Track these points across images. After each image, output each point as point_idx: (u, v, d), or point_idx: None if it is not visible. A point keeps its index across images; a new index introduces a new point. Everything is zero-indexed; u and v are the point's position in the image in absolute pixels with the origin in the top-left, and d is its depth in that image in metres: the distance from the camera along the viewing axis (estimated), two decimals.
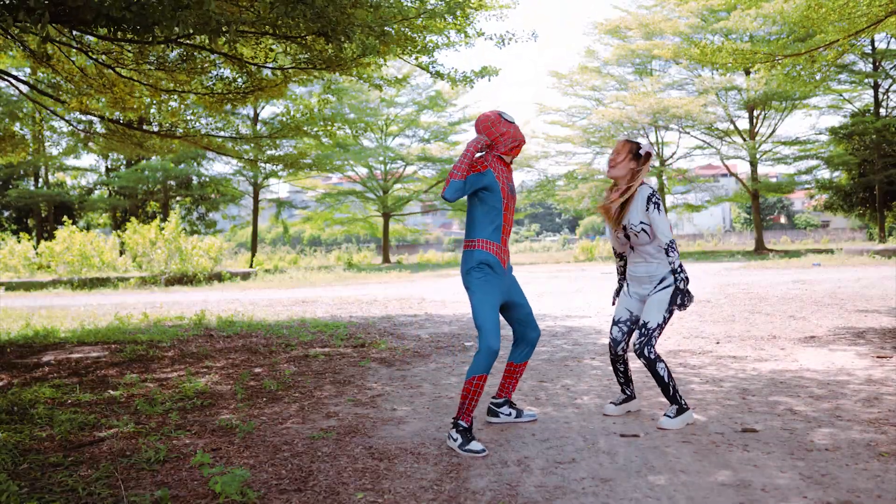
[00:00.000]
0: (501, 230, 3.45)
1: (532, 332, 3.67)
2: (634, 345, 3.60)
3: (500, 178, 3.44)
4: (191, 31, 4.59)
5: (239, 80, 7.43)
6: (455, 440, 3.28)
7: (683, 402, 3.61)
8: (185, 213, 32.18)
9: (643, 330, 3.59)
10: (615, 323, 3.79)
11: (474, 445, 3.24)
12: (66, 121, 9.21)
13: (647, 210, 3.57)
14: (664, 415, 3.60)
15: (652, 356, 3.55)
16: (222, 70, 7.41)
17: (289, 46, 6.61)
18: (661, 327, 3.58)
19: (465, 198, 3.54)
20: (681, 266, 3.58)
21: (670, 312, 3.61)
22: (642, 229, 3.60)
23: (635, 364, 5.09)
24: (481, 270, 3.39)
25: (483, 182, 3.41)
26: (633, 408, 3.90)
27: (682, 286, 3.56)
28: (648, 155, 3.64)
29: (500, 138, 3.49)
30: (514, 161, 3.71)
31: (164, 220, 24.48)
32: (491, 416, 3.81)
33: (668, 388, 3.58)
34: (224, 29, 4.50)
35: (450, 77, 7.40)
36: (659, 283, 3.63)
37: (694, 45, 10.23)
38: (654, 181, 29.98)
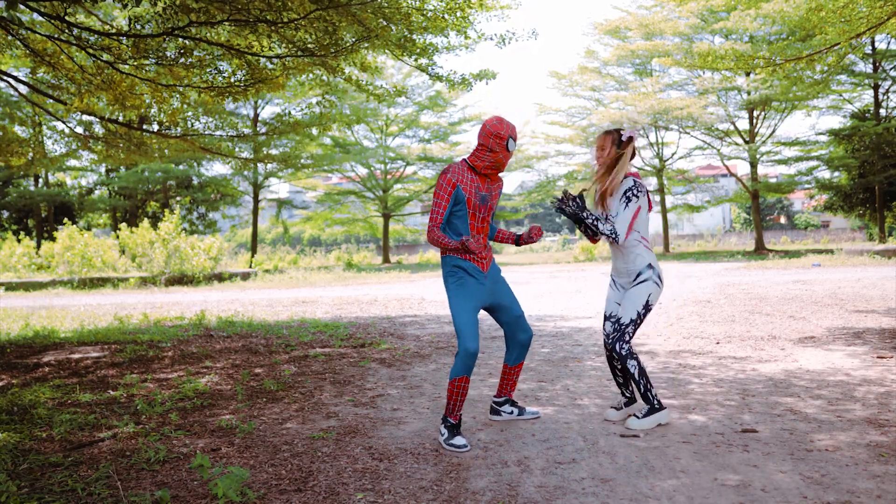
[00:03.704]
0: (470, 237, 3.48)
1: (521, 335, 3.66)
2: (607, 339, 3.59)
3: (468, 189, 3.43)
4: None
5: (238, 73, 7.41)
6: (442, 434, 3.41)
7: (656, 402, 3.58)
8: (185, 213, 32.16)
9: (616, 325, 3.59)
10: (606, 318, 3.75)
11: (457, 440, 3.34)
12: (66, 125, 9.19)
13: (619, 201, 3.57)
14: (632, 415, 3.58)
15: (624, 352, 3.52)
16: (221, 63, 7.38)
17: (285, 32, 6.52)
18: (634, 323, 3.56)
19: None
20: (604, 228, 3.53)
21: (646, 309, 3.58)
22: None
23: None
24: (455, 275, 3.46)
25: (454, 198, 3.44)
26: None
27: (581, 213, 3.54)
28: (630, 139, 3.58)
29: (486, 152, 3.45)
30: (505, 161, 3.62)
31: (162, 220, 24.46)
32: (493, 415, 3.85)
33: (639, 385, 3.55)
34: None
35: (448, 79, 7.38)
36: (636, 277, 3.60)
37: (697, 48, 10.22)
38: (653, 181, 29.98)
